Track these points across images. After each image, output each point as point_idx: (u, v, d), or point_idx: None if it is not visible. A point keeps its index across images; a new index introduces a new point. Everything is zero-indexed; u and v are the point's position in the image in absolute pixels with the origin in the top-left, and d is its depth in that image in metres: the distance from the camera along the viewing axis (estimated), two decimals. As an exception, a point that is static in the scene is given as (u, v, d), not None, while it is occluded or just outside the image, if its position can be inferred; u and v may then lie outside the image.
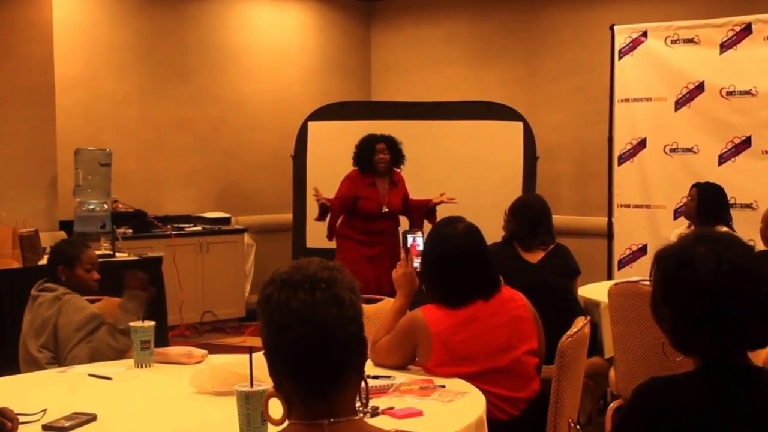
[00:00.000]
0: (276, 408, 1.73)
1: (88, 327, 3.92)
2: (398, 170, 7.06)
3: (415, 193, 7.13)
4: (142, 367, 3.45)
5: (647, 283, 4.31)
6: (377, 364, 3.32)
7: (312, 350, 1.66)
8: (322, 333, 1.67)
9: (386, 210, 6.85)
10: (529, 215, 4.88)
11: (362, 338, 1.73)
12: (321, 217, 6.98)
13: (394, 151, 6.97)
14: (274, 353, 1.71)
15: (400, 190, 6.99)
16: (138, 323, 3.52)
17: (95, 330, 3.93)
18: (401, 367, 3.31)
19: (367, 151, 6.93)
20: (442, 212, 6.22)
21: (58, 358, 3.91)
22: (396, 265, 3.58)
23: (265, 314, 1.71)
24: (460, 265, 3.30)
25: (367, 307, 4.07)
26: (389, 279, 6.75)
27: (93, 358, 3.78)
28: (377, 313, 4.02)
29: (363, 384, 1.77)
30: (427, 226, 6.88)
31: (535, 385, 3.36)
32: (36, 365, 3.87)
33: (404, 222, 7.11)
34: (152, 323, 3.51)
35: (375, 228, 6.86)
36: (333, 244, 7.17)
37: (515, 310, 3.36)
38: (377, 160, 6.89)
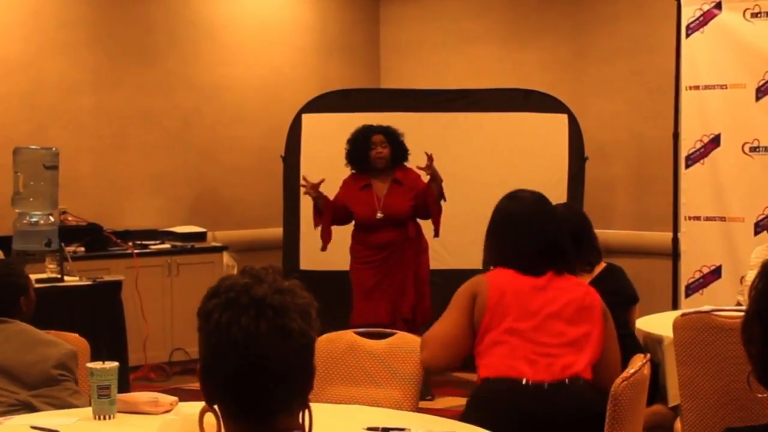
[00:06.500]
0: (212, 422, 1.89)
1: (70, 365, 3.97)
2: (407, 166, 7.08)
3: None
4: (101, 418, 3.44)
5: (722, 314, 4.31)
6: (425, 362, 3.85)
7: (247, 384, 1.83)
8: (260, 367, 1.82)
9: (380, 215, 6.86)
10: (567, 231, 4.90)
11: (309, 370, 1.88)
12: (319, 219, 6.99)
13: (395, 143, 7.02)
14: (207, 375, 1.87)
15: (407, 190, 6.97)
16: (96, 364, 3.50)
17: (75, 370, 3.97)
18: (452, 357, 3.83)
19: (361, 144, 6.98)
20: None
21: (23, 402, 3.89)
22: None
23: (204, 331, 1.87)
24: (530, 225, 3.87)
25: (376, 344, 4.08)
26: (407, 307, 6.79)
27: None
28: (389, 351, 4.02)
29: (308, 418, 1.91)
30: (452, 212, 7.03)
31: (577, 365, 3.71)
32: None
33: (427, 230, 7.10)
34: (114, 365, 3.49)
35: (374, 240, 6.87)
36: (331, 266, 7.17)
37: (595, 301, 3.86)
38: (374, 155, 6.94)
